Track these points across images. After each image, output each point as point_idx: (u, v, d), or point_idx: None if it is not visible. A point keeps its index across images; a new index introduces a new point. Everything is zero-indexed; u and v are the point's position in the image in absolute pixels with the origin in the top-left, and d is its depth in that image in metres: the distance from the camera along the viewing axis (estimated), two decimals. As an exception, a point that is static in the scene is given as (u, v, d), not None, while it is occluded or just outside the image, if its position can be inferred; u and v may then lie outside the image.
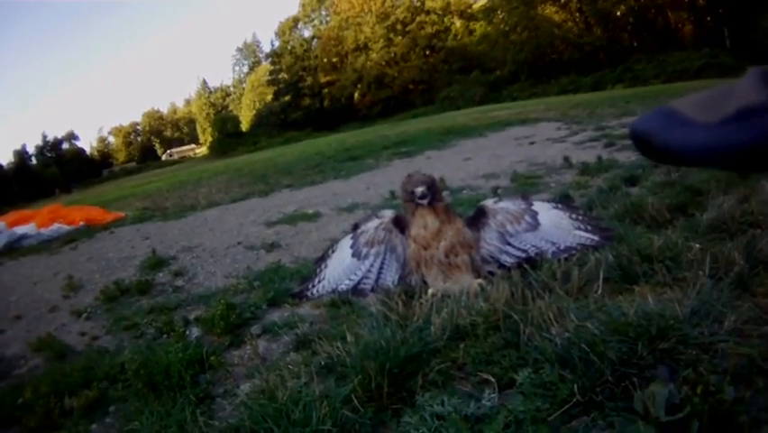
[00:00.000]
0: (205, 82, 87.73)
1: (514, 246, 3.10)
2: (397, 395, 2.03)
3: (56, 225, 9.60)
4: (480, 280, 2.91)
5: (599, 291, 2.53)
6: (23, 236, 9.21)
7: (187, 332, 3.41)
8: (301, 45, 68.17)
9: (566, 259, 2.94)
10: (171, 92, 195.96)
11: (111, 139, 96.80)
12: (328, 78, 63.79)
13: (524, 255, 3.07)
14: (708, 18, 39.86)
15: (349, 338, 2.43)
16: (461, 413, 1.79)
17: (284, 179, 12.54)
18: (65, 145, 79.03)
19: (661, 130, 0.63)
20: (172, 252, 6.19)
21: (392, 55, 58.42)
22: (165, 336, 3.48)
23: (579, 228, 3.16)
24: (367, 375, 2.06)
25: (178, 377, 2.62)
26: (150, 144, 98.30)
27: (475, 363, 2.14)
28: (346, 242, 3.39)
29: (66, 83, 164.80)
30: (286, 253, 5.20)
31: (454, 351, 2.25)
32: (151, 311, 4.05)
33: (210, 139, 73.85)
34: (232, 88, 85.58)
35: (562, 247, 3.07)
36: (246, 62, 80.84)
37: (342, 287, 3.25)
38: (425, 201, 2.97)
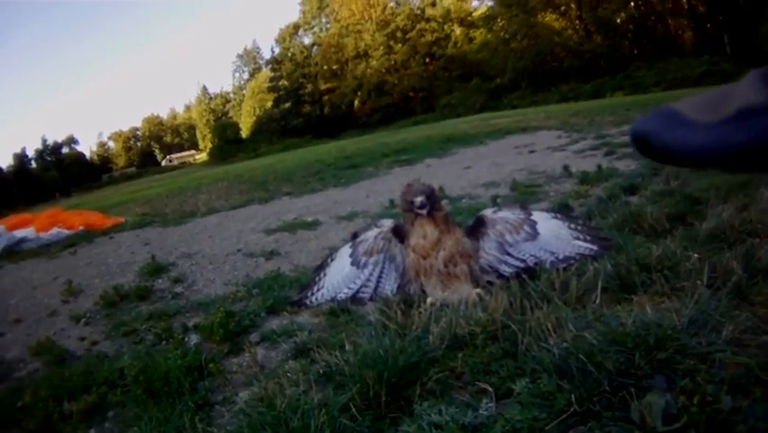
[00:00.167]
0: (205, 88, 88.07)
1: (513, 256, 3.11)
2: (395, 404, 2.04)
3: (55, 230, 9.62)
4: (478, 290, 2.92)
5: (598, 301, 2.54)
6: (23, 240, 9.24)
7: (186, 339, 3.41)
8: (301, 52, 68.41)
9: (565, 269, 2.94)
10: (171, 98, 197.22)
11: (111, 144, 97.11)
12: (328, 85, 63.98)
13: (523, 265, 3.07)
14: (709, 25, 40.00)
15: (347, 347, 2.43)
16: (458, 422, 1.79)
17: (284, 187, 12.56)
18: (65, 149, 79.37)
19: (661, 130, 0.64)
20: (172, 258, 6.19)
21: (392, 62, 58.63)
22: (164, 342, 3.48)
23: (577, 238, 3.17)
24: (365, 384, 2.06)
25: (177, 384, 2.62)
26: (149, 150, 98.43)
27: (473, 373, 2.14)
28: (345, 250, 3.39)
29: (66, 87, 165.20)
30: (285, 260, 5.20)
31: (452, 360, 2.25)
32: (151, 317, 4.05)
33: (210, 145, 74.00)
34: (232, 95, 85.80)
35: (560, 257, 3.07)
36: (246, 69, 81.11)
37: (341, 295, 3.25)
38: (424, 211, 2.97)
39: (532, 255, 3.09)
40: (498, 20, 49.52)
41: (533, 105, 36.97)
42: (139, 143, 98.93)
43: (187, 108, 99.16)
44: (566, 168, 7.43)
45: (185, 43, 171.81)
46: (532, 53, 45.01)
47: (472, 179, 8.56)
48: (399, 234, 3.22)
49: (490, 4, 52.33)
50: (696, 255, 2.79)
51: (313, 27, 70.47)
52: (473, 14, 57.91)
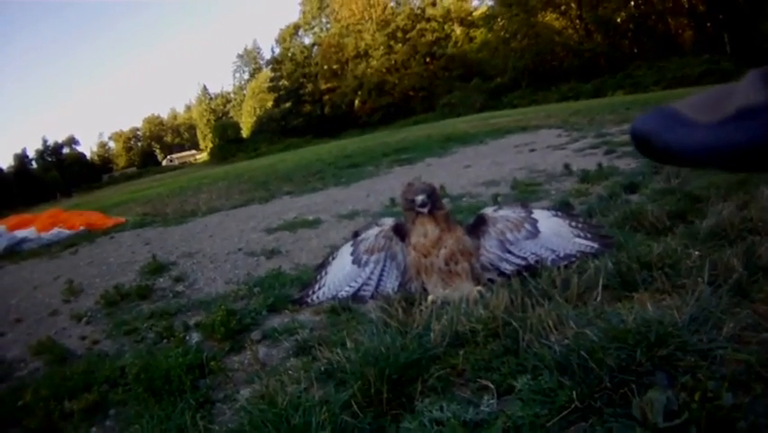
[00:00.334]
0: (205, 88, 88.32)
1: (514, 254, 3.10)
2: (396, 401, 2.04)
3: (56, 230, 9.62)
4: (479, 288, 2.91)
5: (599, 299, 2.53)
6: (24, 240, 9.24)
7: (188, 337, 3.41)
8: (302, 52, 68.45)
9: (566, 266, 2.94)
10: (172, 98, 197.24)
11: (111, 144, 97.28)
12: (329, 84, 64.00)
13: (523, 263, 3.07)
14: (709, 24, 40.00)
15: (349, 344, 2.43)
16: (459, 419, 1.79)
17: (284, 186, 12.56)
18: (65, 150, 79.39)
19: (661, 130, 0.64)
20: (172, 257, 6.19)
21: (393, 62, 58.64)
22: (165, 340, 3.48)
23: (578, 236, 3.16)
24: (366, 381, 2.06)
25: (179, 382, 2.62)
26: (150, 150, 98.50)
27: (474, 370, 2.14)
28: (346, 249, 3.39)
29: (66, 88, 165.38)
30: (286, 259, 5.20)
31: (454, 357, 2.25)
32: (152, 316, 4.05)
33: (210, 145, 74.09)
34: (232, 95, 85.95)
35: (561, 255, 3.07)
36: (247, 69, 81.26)
37: (343, 294, 3.25)
38: (425, 210, 2.97)
39: (533, 253, 3.09)
40: (499, 19, 49.52)
41: (533, 104, 36.95)
42: (139, 143, 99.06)
43: (188, 108, 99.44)
44: (566, 166, 7.43)
45: (185, 43, 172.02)
46: (532, 53, 45.03)
47: (473, 177, 8.56)
48: (400, 232, 3.23)
49: (490, 3, 52.50)
50: (697, 253, 2.79)
51: (313, 27, 70.57)
52: (473, 14, 57.95)
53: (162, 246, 7.15)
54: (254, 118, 72.13)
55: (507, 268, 3.07)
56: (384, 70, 58.92)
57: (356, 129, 54.12)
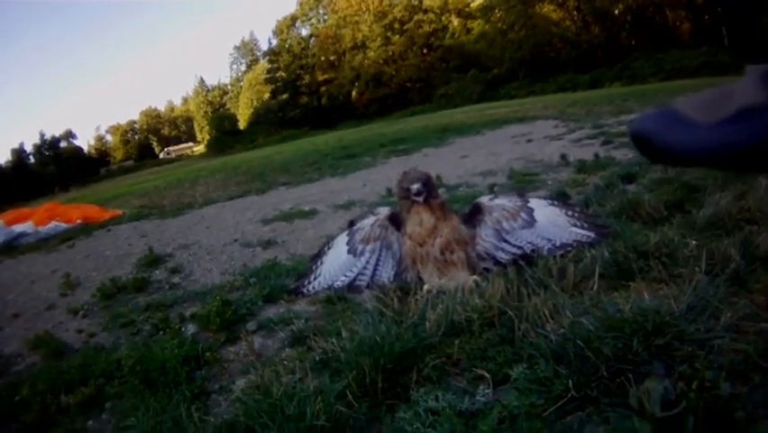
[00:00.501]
0: (202, 80, 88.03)
1: (510, 243, 3.09)
2: (391, 391, 2.03)
3: (53, 224, 9.59)
4: (475, 277, 2.90)
5: (595, 288, 2.52)
6: (21, 234, 9.22)
7: (183, 329, 3.40)
8: (299, 43, 68.24)
9: (562, 256, 2.93)
10: (169, 90, 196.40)
11: (108, 137, 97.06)
12: (326, 76, 63.87)
13: (519, 252, 3.05)
14: (707, 16, 39.93)
15: (344, 334, 2.42)
16: (455, 408, 1.78)
17: (281, 177, 12.55)
18: (63, 144, 79.17)
19: (662, 130, 0.63)
20: (169, 249, 6.18)
21: (390, 53, 58.52)
22: (161, 332, 3.46)
23: (575, 225, 3.15)
24: (361, 371, 2.05)
25: (174, 373, 2.61)
26: (147, 143, 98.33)
27: (470, 359, 2.13)
28: (342, 239, 3.38)
29: (63, 82, 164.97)
30: (282, 250, 5.19)
31: (449, 347, 2.24)
32: (148, 308, 4.05)
33: (207, 137, 74.02)
34: (229, 87, 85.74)
35: (557, 244, 3.05)
36: (244, 61, 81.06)
37: (338, 283, 3.24)
38: (420, 198, 2.95)
39: (529, 242, 3.08)
40: (496, 10, 49.39)
41: (530, 95, 37.00)
42: (136, 136, 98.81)
43: (185, 101, 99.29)
44: (563, 157, 7.42)
45: (182, 36, 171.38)
46: (529, 44, 44.98)
47: (469, 167, 8.55)
48: (396, 221, 3.21)
49: (488, -6, 52.20)
50: (694, 242, 2.77)
51: (310, 18, 70.27)
52: (471, 5, 57.69)
53: (159, 238, 7.14)
54: (251, 110, 71.98)
55: (503, 257, 3.05)
56: (381, 62, 58.79)
57: (353, 120, 54.05)
